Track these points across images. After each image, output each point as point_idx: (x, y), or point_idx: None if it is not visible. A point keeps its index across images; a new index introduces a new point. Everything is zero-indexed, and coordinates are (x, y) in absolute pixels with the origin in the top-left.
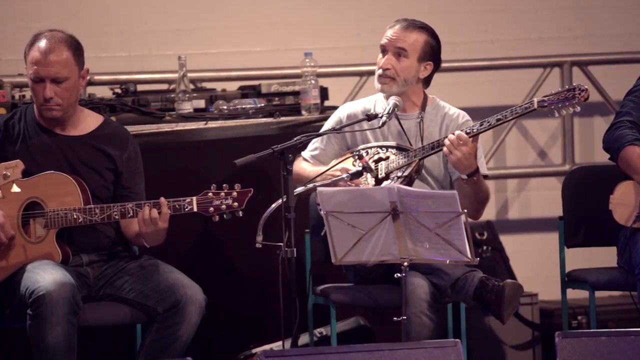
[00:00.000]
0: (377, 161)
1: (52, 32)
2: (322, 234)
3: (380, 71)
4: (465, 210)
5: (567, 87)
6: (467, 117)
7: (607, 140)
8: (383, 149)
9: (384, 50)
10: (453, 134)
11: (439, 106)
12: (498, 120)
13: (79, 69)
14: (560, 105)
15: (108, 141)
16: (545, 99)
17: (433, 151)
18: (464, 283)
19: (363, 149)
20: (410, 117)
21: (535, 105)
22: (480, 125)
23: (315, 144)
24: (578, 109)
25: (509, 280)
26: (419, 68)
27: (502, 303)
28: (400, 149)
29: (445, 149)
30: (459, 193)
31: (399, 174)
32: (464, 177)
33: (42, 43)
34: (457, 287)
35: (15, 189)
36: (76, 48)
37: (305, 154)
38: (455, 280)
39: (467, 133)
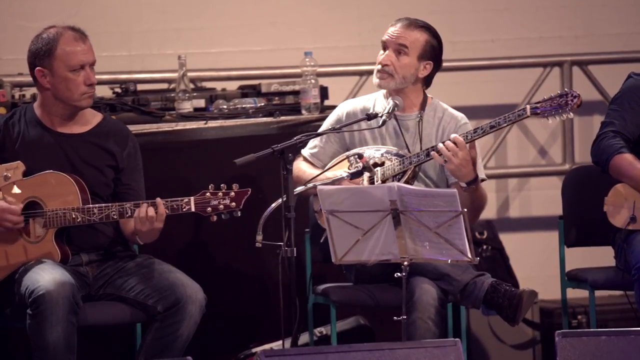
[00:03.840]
0: (372, 165)
1: (58, 27)
2: (322, 240)
3: (379, 67)
4: (466, 210)
5: (559, 92)
6: (465, 119)
7: (594, 153)
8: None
9: (384, 46)
10: (449, 139)
11: (438, 107)
12: (492, 127)
13: None
14: (553, 112)
15: (108, 138)
16: (538, 105)
17: (428, 158)
18: (474, 288)
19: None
20: (409, 117)
21: (528, 112)
22: (474, 132)
23: (314, 142)
24: (571, 115)
25: (525, 289)
26: (419, 66)
27: (520, 310)
28: (395, 154)
29: (438, 157)
30: None
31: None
32: (463, 185)
33: (71, 34)
34: (467, 293)
35: (16, 190)
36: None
37: (305, 152)
38: (464, 286)
39: None
